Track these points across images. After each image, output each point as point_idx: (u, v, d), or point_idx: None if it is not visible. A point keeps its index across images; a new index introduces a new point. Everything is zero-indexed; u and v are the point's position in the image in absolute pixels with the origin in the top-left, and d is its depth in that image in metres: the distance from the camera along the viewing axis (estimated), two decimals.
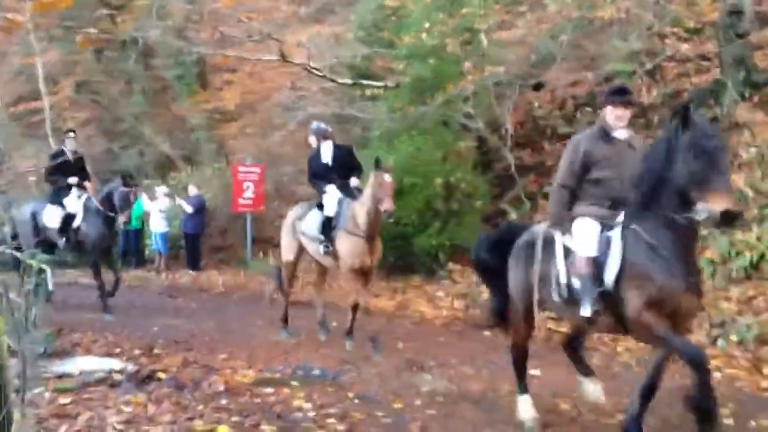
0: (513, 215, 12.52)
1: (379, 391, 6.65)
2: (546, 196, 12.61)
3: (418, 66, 12.53)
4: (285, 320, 9.64)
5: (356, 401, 6.33)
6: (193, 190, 17.32)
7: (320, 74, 14.01)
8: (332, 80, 14.23)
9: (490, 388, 6.75)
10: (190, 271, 16.53)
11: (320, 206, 8.97)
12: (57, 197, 11.05)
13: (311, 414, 5.91)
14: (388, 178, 8.16)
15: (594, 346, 8.45)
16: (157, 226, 17.35)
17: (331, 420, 5.78)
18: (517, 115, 13.86)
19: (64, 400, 6.05)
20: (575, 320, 5.45)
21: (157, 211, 17.36)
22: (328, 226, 8.76)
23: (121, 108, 21.15)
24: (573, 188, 5.39)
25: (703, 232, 9.54)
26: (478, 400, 6.34)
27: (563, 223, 5.37)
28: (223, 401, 6.19)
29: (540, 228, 5.69)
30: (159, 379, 6.81)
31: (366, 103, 14.29)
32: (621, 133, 5.39)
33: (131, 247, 18.00)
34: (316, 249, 9.00)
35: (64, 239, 10.95)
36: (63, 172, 11.01)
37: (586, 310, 5.01)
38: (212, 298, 13.42)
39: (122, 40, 19.42)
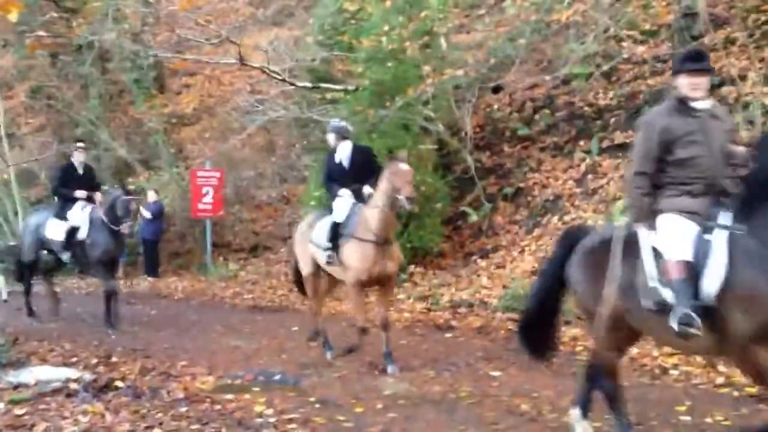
0: (473, 217, 12.58)
1: (341, 395, 6.63)
2: (505, 198, 12.73)
3: (377, 69, 12.54)
4: (320, 340, 8.69)
5: (317, 406, 6.30)
6: (152, 196, 17.13)
7: (279, 77, 13.95)
8: (291, 84, 14.18)
9: (451, 390, 6.76)
10: (149, 278, 16.35)
11: (332, 212, 8.16)
12: (62, 210, 10.66)
13: (272, 420, 5.87)
14: (404, 166, 7.36)
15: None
16: None
17: (293, 425, 5.75)
18: (477, 118, 13.94)
19: (19, 411, 5.94)
20: (664, 335, 4.58)
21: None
22: (336, 233, 7.86)
23: (77, 113, 20.82)
24: (653, 174, 4.67)
25: None
26: (439, 402, 6.35)
27: (648, 217, 4.65)
28: (183, 409, 6.13)
29: (617, 226, 5.07)
30: (117, 388, 6.72)
31: (326, 106, 14.27)
32: (702, 104, 4.67)
33: None
34: (321, 256, 8.17)
35: (69, 253, 10.57)
36: (72, 186, 10.70)
37: (676, 323, 4.28)
38: (171, 304, 13.28)
39: (77, 44, 19.13)
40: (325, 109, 14.18)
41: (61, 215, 10.58)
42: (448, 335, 9.61)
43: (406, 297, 11.57)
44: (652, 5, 10.76)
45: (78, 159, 10.91)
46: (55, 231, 10.58)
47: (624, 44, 11.98)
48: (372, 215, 7.49)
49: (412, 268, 12.20)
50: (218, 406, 6.25)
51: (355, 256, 7.57)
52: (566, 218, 11.50)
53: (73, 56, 20.80)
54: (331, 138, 8.48)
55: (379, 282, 7.74)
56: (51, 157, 21.87)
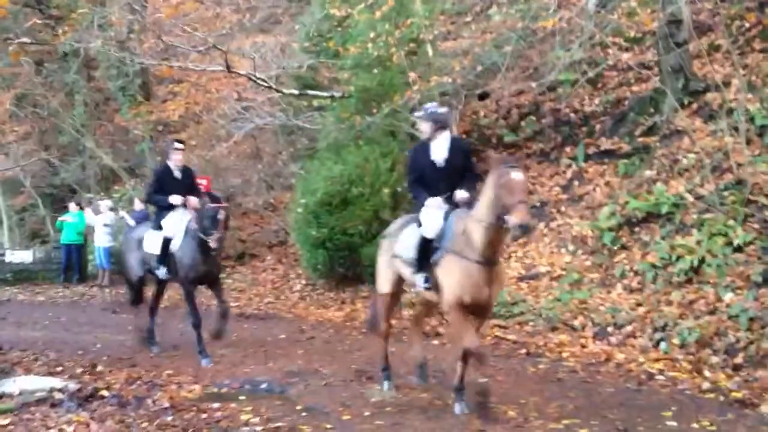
0: None
1: (328, 403, 6.61)
2: None
3: (363, 76, 12.54)
4: (384, 368, 7.25)
5: (304, 414, 6.28)
6: (138, 205, 17.05)
7: (266, 85, 13.90)
8: (278, 91, 14.14)
9: (438, 397, 6.75)
10: None
11: (420, 222, 6.66)
12: (158, 220, 9.33)
13: (259, 428, 5.85)
14: (517, 174, 5.75)
15: (540, 352, 8.54)
16: (101, 240, 17.04)
17: None
18: (463, 125, 13.97)
19: (3, 421, 5.91)
20: None
21: (102, 225, 17.05)
22: (427, 248, 6.48)
23: (63, 120, 20.74)
24: None
25: (645, 237, 9.75)
26: (426, 409, 6.34)
27: None
28: (169, 418, 6.10)
29: None
30: (102, 397, 6.70)
31: (313, 113, 14.25)
32: None
33: (74, 263, 17.66)
34: (412, 277, 6.74)
35: (164, 268, 9.14)
36: (168, 191, 9.21)
37: None
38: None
39: (63, 52, 19.07)
40: (312, 116, 14.17)
41: (158, 225, 9.26)
42: (435, 342, 9.61)
43: None
44: (636, 13, 10.81)
45: (175, 161, 9.31)
46: (152, 244, 9.27)
47: (609, 51, 12.05)
48: (475, 229, 6.05)
49: None
50: (204, 415, 6.22)
51: (454, 278, 6.16)
52: (552, 224, 11.54)
53: (59, 64, 20.78)
54: (426, 128, 6.79)
55: (478, 307, 6.24)
56: (36, 164, 21.81)
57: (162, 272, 9.18)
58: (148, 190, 9.76)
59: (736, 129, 9.50)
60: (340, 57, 13.20)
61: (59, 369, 8.01)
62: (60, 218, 18.30)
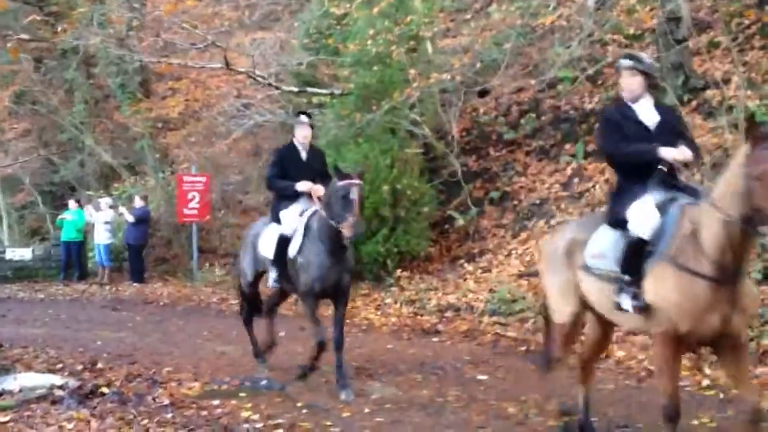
0: (460, 221, 12.61)
1: (328, 400, 6.61)
2: (492, 202, 12.76)
3: (363, 73, 12.54)
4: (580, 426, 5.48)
5: (304, 411, 6.28)
6: (138, 202, 17.07)
7: (265, 82, 13.91)
8: (278, 88, 14.15)
9: (438, 394, 6.76)
10: (134, 284, 16.27)
11: (616, 221, 4.89)
12: (276, 212, 7.50)
13: (259, 425, 5.85)
14: None
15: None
16: (101, 237, 17.04)
17: (280, 431, 5.73)
18: (463, 122, 13.97)
19: (3, 418, 5.91)
20: None
21: (102, 222, 17.05)
22: (637, 253, 4.67)
23: (62, 118, 20.73)
24: None
25: None
26: (426, 406, 6.34)
27: None
28: (169, 415, 6.10)
29: None
30: (102, 394, 6.69)
31: (312, 110, 14.23)
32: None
33: (73, 260, 17.65)
34: (610, 299, 4.85)
35: (276, 274, 7.35)
36: (292, 176, 7.42)
37: None
38: (157, 310, 13.20)
39: (62, 49, 19.05)
40: (311, 113, 14.14)
41: (277, 218, 7.45)
42: (434, 339, 9.62)
43: (393, 301, 11.56)
44: (636, 10, 10.80)
45: (301, 138, 7.56)
46: (266, 243, 7.50)
47: (609, 48, 12.04)
48: (710, 229, 4.31)
49: (398, 272, 12.21)
50: (204, 412, 6.22)
51: (674, 296, 4.39)
52: (552, 222, 11.54)
53: (58, 61, 20.77)
54: (634, 84, 5.09)
55: (714, 341, 4.50)
56: (35, 161, 21.80)
57: (272, 278, 7.39)
58: (268, 173, 7.70)
59: (736, 126, 9.49)
60: (340, 54, 13.20)
61: (59, 366, 8.00)
62: (60, 216, 18.30)
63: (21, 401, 6.36)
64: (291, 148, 7.61)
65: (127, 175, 20.20)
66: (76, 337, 10.11)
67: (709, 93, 10.79)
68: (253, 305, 8.22)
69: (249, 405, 6.42)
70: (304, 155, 7.57)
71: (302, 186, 7.30)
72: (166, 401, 6.50)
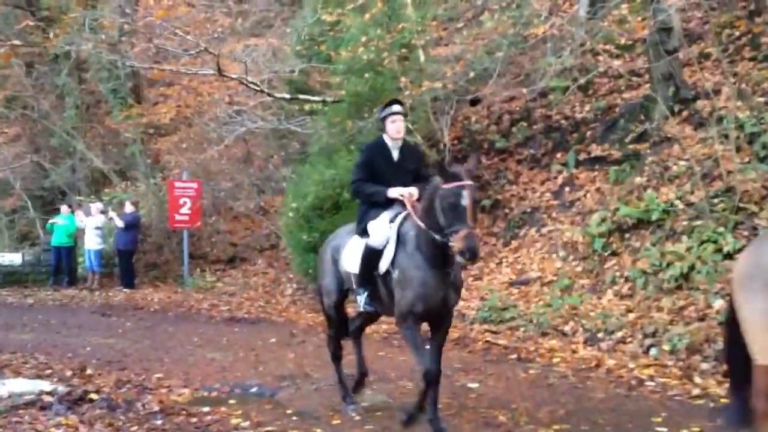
0: None
1: (318, 407, 6.60)
2: (483, 210, 12.77)
3: (355, 81, 12.56)
4: None
5: (295, 418, 6.26)
6: (129, 208, 17.02)
7: (257, 89, 13.91)
8: (269, 95, 14.15)
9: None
10: (124, 289, 16.21)
11: None
12: (363, 222, 6.29)
13: None
14: None
15: (531, 358, 8.55)
16: (91, 243, 16.97)
17: None
18: (455, 130, 14.00)
19: None
20: None
21: (92, 228, 16.99)
22: None
23: (53, 123, 20.68)
24: None
25: (636, 244, 9.79)
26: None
27: None
28: (158, 422, 6.07)
29: None
30: (91, 401, 6.64)
31: (304, 117, 14.26)
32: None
33: (63, 266, 17.57)
34: None
35: (366, 295, 6.12)
36: (382, 179, 6.22)
37: None
38: (147, 316, 13.15)
39: (54, 54, 19.01)
40: (303, 121, 14.17)
41: (363, 230, 6.26)
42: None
43: None
44: (627, 20, 10.86)
45: (393, 132, 6.26)
46: (351, 257, 6.32)
47: (600, 58, 12.09)
48: None
49: None
50: (194, 419, 6.19)
51: None
52: (543, 230, 11.57)
53: (49, 66, 20.72)
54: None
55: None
56: (26, 166, 21.72)
57: (362, 301, 6.18)
58: (354, 176, 6.45)
59: (726, 137, 9.55)
60: (332, 61, 13.22)
61: (48, 372, 7.95)
62: (50, 221, 18.22)
63: (9, 407, 6.31)
64: (381, 147, 6.36)
65: (118, 180, 20.15)
66: (65, 343, 10.05)
67: (699, 103, 10.85)
68: (341, 330, 6.91)
69: (239, 412, 6.39)
70: (395, 154, 6.31)
71: (394, 192, 6.08)
72: (156, 408, 6.46)
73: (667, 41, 10.97)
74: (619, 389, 7.12)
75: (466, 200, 5.25)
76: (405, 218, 5.95)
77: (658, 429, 5.78)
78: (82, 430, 5.77)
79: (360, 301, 6.20)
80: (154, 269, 17.84)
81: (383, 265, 5.90)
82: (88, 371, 8.02)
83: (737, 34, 11.86)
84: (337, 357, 6.91)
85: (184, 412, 6.38)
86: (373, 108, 12.12)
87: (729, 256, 8.42)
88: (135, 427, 5.87)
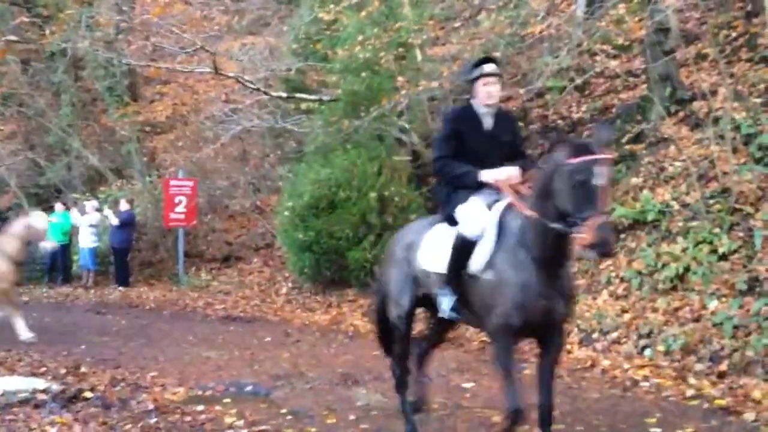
0: None
1: (313, 406, 6.59)
2: None
3: (352, 80, 12.54)
4: None
5: (289, 417, 6.26)
6: (124, 206, 16.99)
7: (254, 87, 13.89)
8: (266, 93, 14.13)
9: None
10: (119, 287, 16.18)
11: None
12: (449, 207, 5.11)
13: (243, 431, 5.82)
14: None
15: (526, 358, 8.54)
16: (86, 241, 16.94)
17: None
18: None
19: None
20: None
21: (87, 225, 16.96)
22: None
23: (49, 120, 20.62)
24: None
25: (631, 244, 9.79)
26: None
27: None
28: (153, 420, 6.06)
29: None
30: (86, 399, 6.65)
31: (300, 116, 14.24)
32: None
33: (58, 263, 17.53)
34: None
35: (454, 300, 4.95)
36: (472, 154, 5.08)
37: None
38: (142, 314, 13.13)
39: (50, 51, 18.96)
40: (300, 119, 14.15)
41: (449, 217, 5.12)
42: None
43: None
44: (624, 20, 10.86)
45: (484, 97, 5.09)
46: (434, 253, 5.14)
47: (597, 58, 12.08)
48: None
49: None
50: (188, 418, 6.19)
51: None
52: None
53: (46, 63, 20.65)
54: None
55: None
56: (21, 164, 21.66)
57: (446, 306, 4.99)
58: (437, 153, 5.24)
59: (723, 138, 9.54)
60: (329, 60, 13.20)
61: (43, 370, 7.95)
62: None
63: (3, 405, 6.31)
64: (469, 114, 5.16)
65: (113, 178, 20.10)
66: (59, 341, 10.04)
67: (696, 104, 10.85)
68: (405, 348, 5.68)
69: (233, 411, 6.39)
70: (487, 123, 5.12)
71: (488, 176, 4.96)
72: (150, 406, 6.46)
73: (665, 42, 10.97)
74: (613, 390, 7.12)
75: (600, 178, 4.13)
76: (508, 206, 4.80)
77: (653, 430, 5.79)
78: (77, 428, 5.77)
79: (443, 306, 5.00)
80: (149, 267, 17.82)
81: (476, 262, 4.75)
82: (83, 369, 8.02)
83: (734, 35, 11.86)
84: (403, 383, 5.66)
85: (178, 411, 6.38)
86: (370, 107, 12.11)
87: (724, 257, 8.42)
88: (129, 426, 5.86)
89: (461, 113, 5.25)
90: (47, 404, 6.40)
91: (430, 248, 5.17)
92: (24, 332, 10.00)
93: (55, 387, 6.92)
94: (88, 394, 6.75)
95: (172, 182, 16.72)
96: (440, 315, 5.15)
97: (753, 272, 7.90)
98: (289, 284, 14.34)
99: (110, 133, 20.53)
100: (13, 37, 15.07)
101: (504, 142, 5.15)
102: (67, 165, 21.10)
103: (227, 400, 6.88)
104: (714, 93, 10.58)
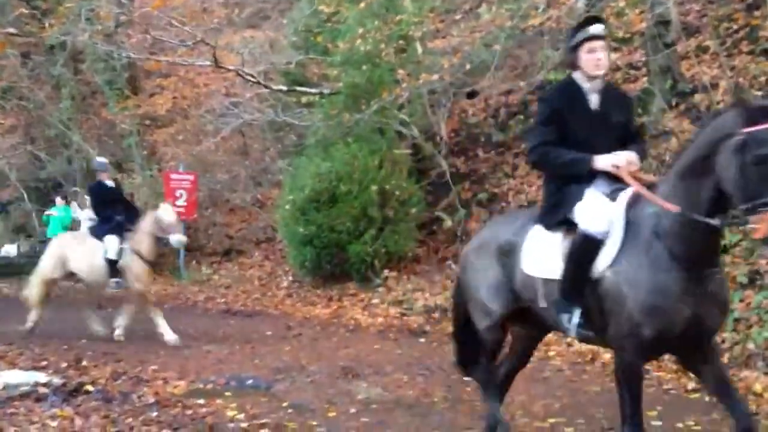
0: (448, 223, 12.60)
1: (314, 400, 6.59)
2: (480, 203, 12.75)
3: (352, 73, 12.53)
4: None
5: (290, 410, 6.26)
6: None
7: (254, 80, 13.87)
8: (266, 87, 14.11)
9: (425, 394, 6.76)
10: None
11: None
12: (565, 202, 4.25)
13: (244, 425, 5.82)
14: None
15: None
16: None
17: (265, 430, 5.71)
18: (452, 123, 13.96)
19: None
20: None
21: (87, 219, 16.94)
22: None
23: (49, 113, 20.60)
24: None
25: None
26: (413, 407, 6.33)
27: None
28: (154, 414, 6.06)
29: None
30: (87, 392, 6.65)
31: (301, 110, 14.22)
32: None
33: None
34: None
35: (578, 311, 4.08)
36: (575, 137, 4.27)
37: None
38: (142, 307, 13.11)
39: (50, 45, 18.93)
40: (300, 113, 14.13)
41: (559, 216, 4.28)
42: (421, 340, 9.61)
43: (381, 302, 11.56)
44: (625, 13, 10.83)
45: (590, 65, 4.27)
46: (540, 252, 4.31)
47: None
48: None
49: (386, 272, 12.20)
50: (190, 411, 6.19)
51: None
52: None
53: (45, 56, 20.60)
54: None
55: None
56: (21, 157, 21.65)
57: (573, 321, 4.08)
58: (536, 139, 4.35)
59: None
60: (329, 53, 13.18)
61: (44, 363, 7.95)
62: (46, 212, 18.17)
63: (5, 398, 6.31)
64: (572, 90, 4.35)
65: (114, 172, 20.08)
66: (61, 335, 10.04)
67: (696, 97, 10.83)
68: (492, 360, 4.96)
69: (234, 404, 6.39)
70: (595, 100, 4.30)
71: (605, 161, 4.11)
72: (151, 400, 6.46)
73: (665, 34, 10.94)
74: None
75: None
76: (635, 198, 3.99)
77: (654, 423, 5.78)
78: (78, 421, 5.77)
79: (568, 323, 4.10)
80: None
81: (601, 263, 3.93)
82: (84, 363, 8.02)
83: (735, 27, 11.82)
84: (492, 389, 4.97)
85: (179, 404, 6.38)
86: (370, 101, 12.09)
87: (725, 250, 8.41)
88: (130, 419, 5.86)
89: (562, 90, 4.46)
90: (49, 398, 6.40)
91: (537, 250, 4.29)
92: (168, 334, 9.52)
93: (57, 380, 6.93)
94: (89, 388, 6.74)
95: (173, 176, 16.71)
96: (568, 332, 4.21)
97: (754, 265, 7.89)
98: (290, 278, 14.35)
99: (110, 126, 20.50)
100: (12, 30, 15.06)
101: (614, 123, 4.30)
102: (68, 158, 21.08)
103: (228, 393, 6.88)
104: (715, 86, 10.56)
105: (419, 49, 12.75)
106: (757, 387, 6.44)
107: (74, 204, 17.77)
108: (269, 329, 10.51)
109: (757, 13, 11.55)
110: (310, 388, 7.10)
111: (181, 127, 18.50)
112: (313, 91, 13.72)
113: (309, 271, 13.21)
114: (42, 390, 6.57)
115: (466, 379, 7.24)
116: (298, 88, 13.96)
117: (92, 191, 10.64)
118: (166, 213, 9.72)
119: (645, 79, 11.68)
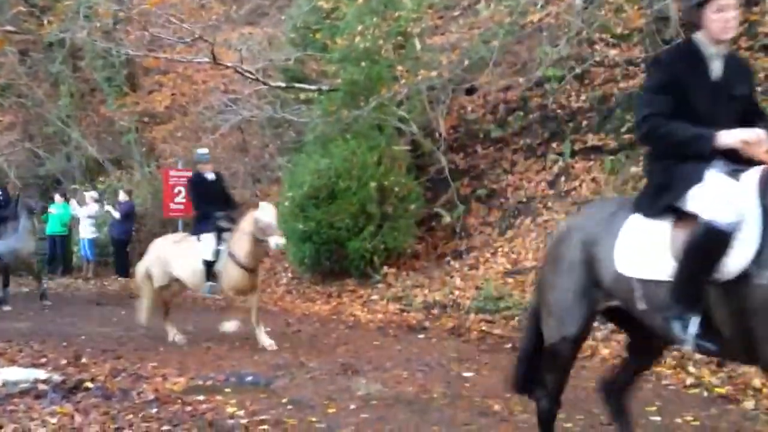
0: (447, 219, 12.61)
1: (313, 396, 6.60)
2: (479, 199, 12.76)
3: (351, 69, 12.52)
4: None
5: (290, 407, 6.27)
6: (123, 197, 16.98)
7: (253, 77, 13.87)
8: (265, 83, 14.10)
9: (424, 391, 6.76)
10: (119, 278, 16.19)
11: None
12: (677, 185, 3.57)
13: (244, 421, 5.83)
14: None
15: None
16: (86, 232, 16.95)
17: (265, 427, 5.71)
18: (450, 119, 13.96)
19: None
20: None
21: (86, 216, 16.96)
22: None
23: (48, 111, 20.59)
24: None
25: None
26: (412, 403, 6.34)
27: None
28: (153, 410, 6.07)
29: None
30: (86, 389, 6.64)
31: (300, 106, 14.22)
32: None
33: (58, 254, 17.53)
34: None
35: (698, 319, 3.36)
36: (692, 109, 3.63)
37: None
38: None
39: (48, 42, 18.92)
40: (299, 109, 14.13)
41: (656, 199, 3.70)
42: (421, 336, 9.62)
43: (380, 298, 11.57)
44: (624, 9, 10.83)
45: (717, 32, 3.62)
46: (638, 251, 3.66)
47: (596, 47, 12.06)
48: None
49: (385, 269, 12.22)
50: (189, 408, 6.19)
51: None
52: (539, 220, 11.57)
53: (44, 54, 20.61)
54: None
55: None
56: (20, 154, 21.64)
57: (691, 331, 3.40)
58: (647, 110, 3.68)
59: None
60: (328, 50, 13.17)
61: (43, 360, 7.95)
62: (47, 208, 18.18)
63: (4, 395, 6.31)
64: (691, 55, 3.71)
65: (113, 169, 20.09)
66: (60, 332, 10.05)
67: None
68: (562, 379, 4.46)
69: (234, 401, 6.39)
70: (716, 70, 3.69)
71: (730, 137, 3.46)
72: (151, 396, 6.47)
73: (664, 30, 10.95)
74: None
75: None
76: (762, 177, 3.32)
77: (652, 418, 5.80)
78: (77, 418, 5.77)
79: (683, 333, 3.41)
80: None
81: (737, 261, 3.23)
82: (83, 360, 8.02)
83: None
84: (550, 419, 4.49)
85: (179, 401, 6.38)
86: (369, 97, 12.09)
87: None
88: (130, 416, 5.86)
89: (682, 54, 3.74)
90: (48, 395, 6.40)
91: (635, 244, 3.64)
92: (264, 339, 9.04)
93: (56, 377, 6.93)
94: (88, 385, 6.74)
95: (172, 173, 16.69)
96: (682, 345, 3.56)
97: None
98: (289, 274, 14.35)
99: (109, 123, 20.50)
100: (10, 28, 15.04)
101: (736, 96, 3.67)
102: (67, 156, 21.09)
103: (228, 389, 6.89)
104: None
105: (418, 46, 12.74)
106: (756, 382, 6.45)
107: (73, 201, 17.79)
108: (268, 326, 10.47)
109: (755, 9, 11.55)
110: (310, 384, 7.11)
111: (179, 124, 18.47)
112: (312, 87, 13.71)
113: (308, 268, 13.21)
114: (41, 387, 6.57)
115: (465, 374, 7.28)
116: (297, 85, 13.96)
117: (193, 185, 9.84)
118: (265, 213, 8.81)
119: (644, 75, 11.67)
